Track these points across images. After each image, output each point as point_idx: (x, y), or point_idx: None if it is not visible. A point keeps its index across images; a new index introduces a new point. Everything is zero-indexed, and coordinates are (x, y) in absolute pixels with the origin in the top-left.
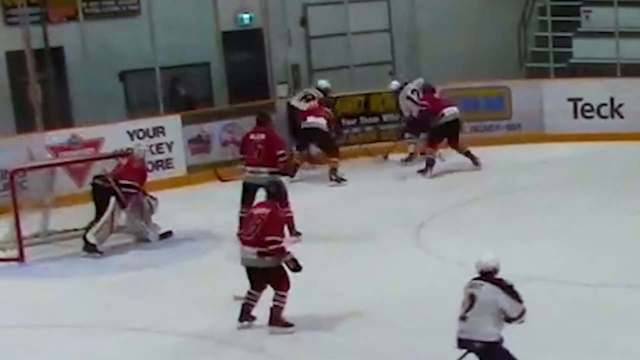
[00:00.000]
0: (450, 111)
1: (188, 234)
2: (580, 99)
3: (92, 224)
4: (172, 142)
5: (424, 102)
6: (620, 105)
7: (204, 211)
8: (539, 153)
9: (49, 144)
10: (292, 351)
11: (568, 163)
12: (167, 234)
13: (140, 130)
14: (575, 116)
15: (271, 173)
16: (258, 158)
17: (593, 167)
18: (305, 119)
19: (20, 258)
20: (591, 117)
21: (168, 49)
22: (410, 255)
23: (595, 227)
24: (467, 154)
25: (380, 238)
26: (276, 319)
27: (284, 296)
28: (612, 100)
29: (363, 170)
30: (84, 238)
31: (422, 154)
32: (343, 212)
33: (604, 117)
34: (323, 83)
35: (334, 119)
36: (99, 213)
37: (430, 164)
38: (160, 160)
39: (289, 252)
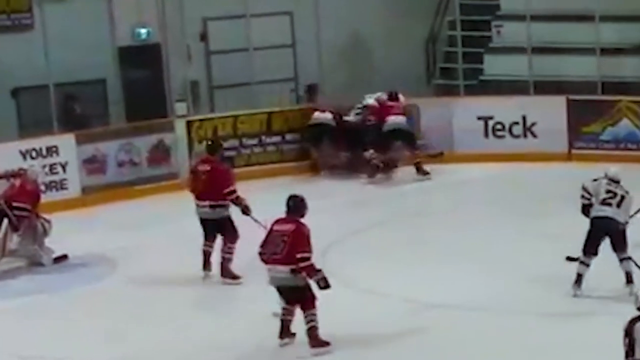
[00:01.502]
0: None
1: (82, 258)
2: (491, 118)
3: None
4: (66, 162)
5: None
6: (533, 124)
7: (99, 234)
8: (449, 174)
9: None
10: None
11: (477, 184)
12: (62, 258)
13: (33, 149)
14: (486, 135)
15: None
16: (204, 190)
17: (503, 189)
18: (385, 119)
19: None
20: (502, 136)
21: (63, 65)
22: None
23: (501, 252)
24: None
25: None
26: (315, 339)
27: (314, 314)
28: (524, 118)
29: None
30: None
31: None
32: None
33: (516, 137)
34: None
35: None
36: None
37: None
38: (54, 181)
39: (319, 270)
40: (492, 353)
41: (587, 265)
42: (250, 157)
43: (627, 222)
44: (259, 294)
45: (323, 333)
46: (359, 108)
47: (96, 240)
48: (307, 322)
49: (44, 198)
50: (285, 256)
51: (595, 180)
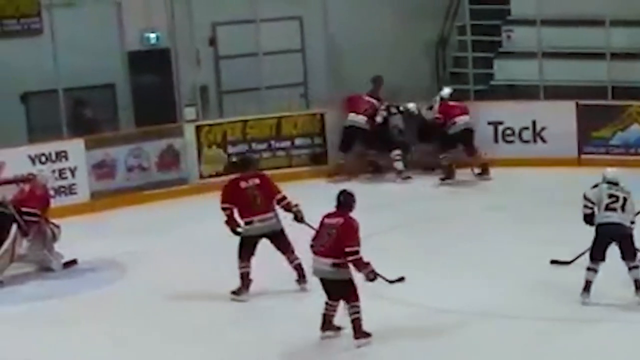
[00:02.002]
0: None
1: (91, 263)
2: (501, 123)
3: None
4: (75, 167)
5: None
6: (542, 129)
7: (108, 239)
8: (458, 179)
9: None
10: None
11: (486, 190)
12: (72, 263)
13: (43, 154)
14: (496, 140)
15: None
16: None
17: (512, 195)
18: (454, 121)
19: None
20: (512, 141)
21: (72, 70)
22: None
23: (509, 258)
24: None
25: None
26: (359, 331)
27: (358, 306)
28: (534, 123)
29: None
30: None
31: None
32: None
33: (526, 142)
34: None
35: None
36: None
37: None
38: (63, 186)
39: (368, 263)
40: (502, 359)
41: (596, 272)
42: (259, 162)
43: (633, 223)
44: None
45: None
46: (430, 105)
47: (105, 245)
48: (351, 314)
49: (53, 203)
50: (329, 249)
51: (595, 186)
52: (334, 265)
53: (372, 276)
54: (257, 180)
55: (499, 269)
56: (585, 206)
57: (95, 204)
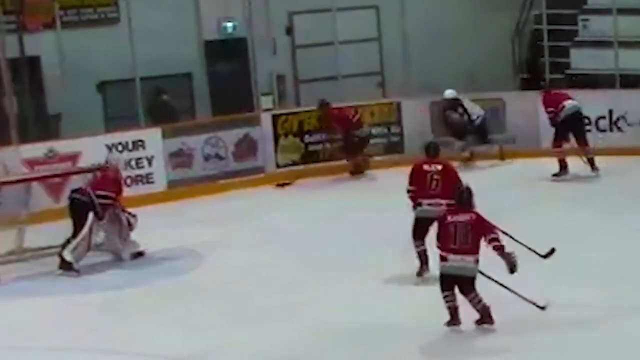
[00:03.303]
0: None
1: (168, 252)
2: None
3: (68, 241)
4: (152, 156)
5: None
6: (619, 118)
7: (184, 229)
8: (534, 169)
9: (24, 157)
10: None
11: (563, 179)
12: (139, 254)
13: (120, 143)
14: None
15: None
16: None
17: (589, 184)
18: (562, 105)
19: None
20: (589, 130)
21: (149, 59)
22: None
23: (594, 246)
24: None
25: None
26: (489, 316)
27: (478, 293)
28: (610, 112)
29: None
30: (60, 256)
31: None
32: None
33: (603, 131)
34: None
35: None
36: (76, 230)
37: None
38: (140, 176)
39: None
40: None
41: None
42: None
43: None
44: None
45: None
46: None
47: (182, 235)
48: (477, 303)
49: (130, 192)
50: (472, 246)
51: None
52: (476, 261)
53: (513, 262)
54: (439, 167)
55: (579, 259)
56: None
57: (172, 193)
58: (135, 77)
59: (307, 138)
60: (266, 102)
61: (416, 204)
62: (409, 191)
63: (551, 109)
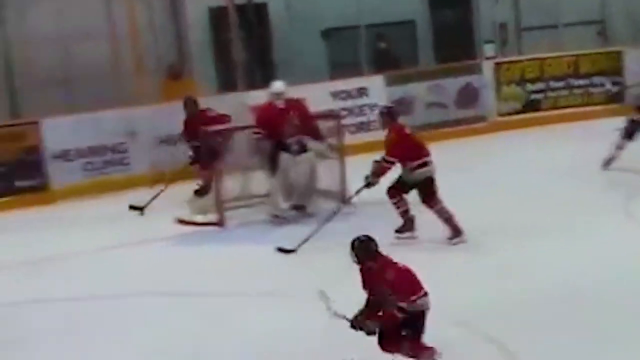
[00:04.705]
0: None
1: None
2: None
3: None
4: (374, 104)
5: None
6: None
7: None
8: None
9: (250, 104)
10: None
11: None
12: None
13: (343, 91)
14: None
15: None
16: None
17: None
18: None
19: (220, 223)
20: None
21: (372, 6)
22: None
23: None
24: None
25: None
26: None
27: None
28: None
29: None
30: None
31: None
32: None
33: None
34: None
35: None
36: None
37: None
38: (363, 122)
39: None
40: None
41: None
42: (557, 100)
43: None
44: None
45: None
46: None
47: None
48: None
49: (351, 139)
50: None
51: None
52: None
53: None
54: None
55: None
56: None
57: None
58: (359, 25)
59: (528, 87)
60: (488, 50)
61: None
62: None
63: None
